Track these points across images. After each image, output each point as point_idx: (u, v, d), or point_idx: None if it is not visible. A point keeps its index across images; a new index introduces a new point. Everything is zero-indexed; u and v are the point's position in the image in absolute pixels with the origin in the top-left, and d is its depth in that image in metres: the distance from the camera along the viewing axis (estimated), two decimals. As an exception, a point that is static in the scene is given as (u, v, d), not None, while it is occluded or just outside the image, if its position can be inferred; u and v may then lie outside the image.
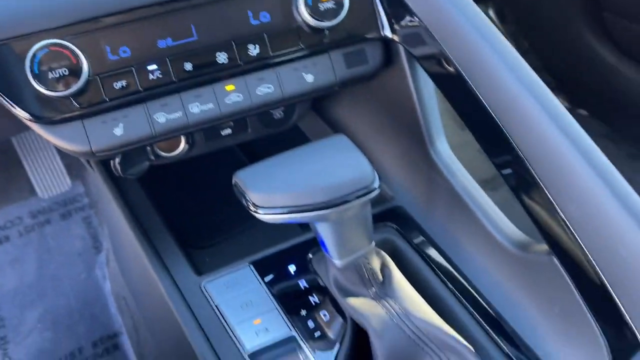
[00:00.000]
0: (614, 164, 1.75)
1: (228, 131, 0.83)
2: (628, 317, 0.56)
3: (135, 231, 0.83)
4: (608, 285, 0.57)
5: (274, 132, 0.90)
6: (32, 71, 0.62)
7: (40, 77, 0.63)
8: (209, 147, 0.87)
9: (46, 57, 0.63)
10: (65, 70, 0.63)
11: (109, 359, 1.30)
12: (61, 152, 1.51)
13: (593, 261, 0.57)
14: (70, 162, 1.51)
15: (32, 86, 0.63)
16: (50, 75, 0.63)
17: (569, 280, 0.63)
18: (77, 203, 1.51)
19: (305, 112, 0.90)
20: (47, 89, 0.63)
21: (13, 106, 0.64)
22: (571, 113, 1.83)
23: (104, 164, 0.93)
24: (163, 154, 0.84)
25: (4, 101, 0.64)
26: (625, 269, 0.55)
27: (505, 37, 0.68)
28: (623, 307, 0.56)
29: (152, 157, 0.84)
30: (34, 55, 0.62)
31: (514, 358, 0.66)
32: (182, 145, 0.84)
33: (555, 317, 0.66)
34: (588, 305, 0.62)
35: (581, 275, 0.60)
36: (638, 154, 1.70)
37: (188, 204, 0.93)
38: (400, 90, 0.80)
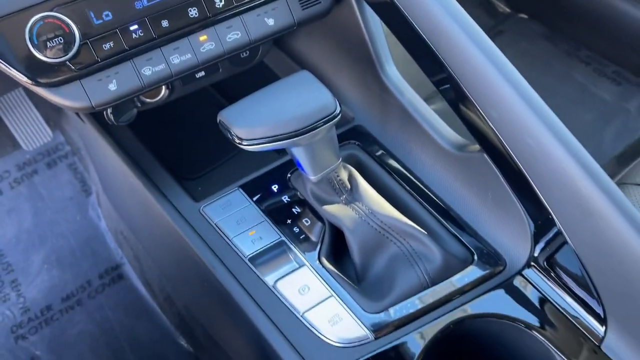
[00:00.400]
0: (552, 61, 1.90)
1: (202, 73, 0.93)
2: (541, 196, 0.72)
3: (134, 170, 0.95)
4: (524, 171, 0.72)
5: (242, 70, 1.01)
6: (32, 42, 0.72)
7: (39, 47, 0.72)
8: (186, 89, 0.98)
9: (42, 28, 0.72)
10: (60, 39, 0.73)
11: (116, 287, 1.43)
12: (38, 105, 1.57)
13: (512, 153, 0.73)
14: (48, 112, 1.57)
15: (34, 55, 0.72)
16: (48, 44, 0.72)
17: (497, 171, 0.78)
18: (59, 152, 1.59)
19: (268, 49, 1.01)
20: (47, 57, 0.73)
21: (19, 73, 0.73)
22: (512, 17, 1.94)
23: (93, 114, 1.03)
24: (148, 100, 0.94)
25: (10, 70, 0.73)
26: (534, 156, 0.70)
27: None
28: (536, 187, 0.72)
29: (139, 104, 0.94)
30: (32, 28, 0.71)
31: (459, 236, 0.83)
32: (163, 90, 0.94)
33: (489, 201, 0.82)
34: (512, 189, 0.78)
35: (505, 165, 0.76)
36: (573, 50, 1.85)
37: (175, 142, 1.03)
38: (351, 24, 0.91)
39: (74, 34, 0.73)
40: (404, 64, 0.93)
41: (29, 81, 0.74)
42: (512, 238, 0.80)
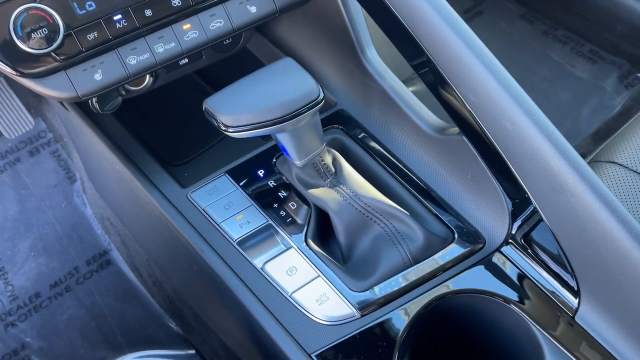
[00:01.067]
0: (530, 41, 1.93)
1: (185, 60, 0.94)
2: (517, 175, 0.75)
3: (121, 157, 0.96)
4: (501, 153, 0.75)
5: (226, 56, 1.02)
6: (16, 34, 0.72)
7: (23, 38, 0.72)
8: (170, 77, 0.98)
9: (26, 20, 0.72)
10: (44, 30, 0.73)
11: (104, 273, 1.44)
12: (19, 93, 1.56)
13: (490, 136, 0.75)
14: (28, 100, 1.56)
15: (18, 46, 0.73)
16: (32, 36, 0.73)
17: (475, 153, 0.81)
18: (42, 139, 1.58)
19: (250, 36, 1.02)
20: (31, 48, 0.73)
21: (3, 65, 0.74)
22: (491, -4, 1.94)
23: (77, 103, 1.03)
24: (132, 88, 0.95)
25: None
26: (511, 138, 0.73)
27: None
28: (513, 168, 0.75)
29: (123, 92, 0.95)
30: (16, 20, 0.72)
31: (440, 216, 0.86)
32: (147, 78, 0.95)
33: (468, 181, 0.85)
34: (490, 169, 0.81)
35: (483, 147, 0.78)
36: (550, 30, 1.88)
37: (161, 129, 1.04)
38: (332, 9, 0.92)
39: (58, 25, 0.73)
40: (383, 47, 0.95)
41: (14, 72, 0.75)
42: (491, 217, 0.83)
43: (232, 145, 0.96)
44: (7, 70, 0.75)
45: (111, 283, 1.43)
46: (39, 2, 0.73)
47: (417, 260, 0.81)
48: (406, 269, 0.81)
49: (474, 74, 0.73)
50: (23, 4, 0.72)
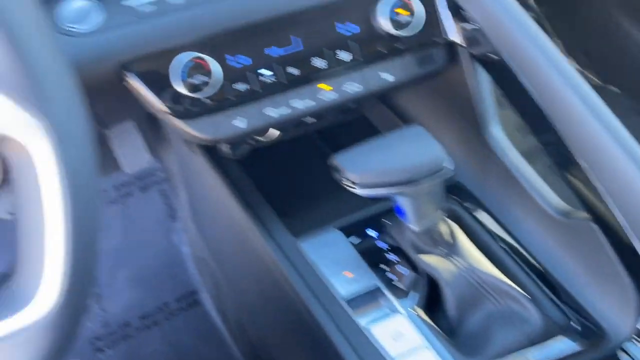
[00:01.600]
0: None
1: (313, 120, 0.99)
2: (652, 271, 0.72)
3: (239, 201, 1.00)
4: (637, 245, 0.72)
5: (347, 119, 1.06)
6: (179, 78, 0.79)
7: (185, 83, 0.79)
8: (296, 132, 1.04)
9: (188, 67, 0.79)
10: (202, 77, 0.80)
11: (191, 312, 1.48)
12: (144, 132, 1.68)
13: (625, 226, 0.73)
14: (150, 140, 1.68)
15: (177, 90, 0.79)
16: (193, 82, 0.79)
17: (604, 242, 0.78)
18: (153, 177, 1.68)
19: (375, 101, 1.06)
20: (189, 92, 0.80)
21: (161, 103, 0.81)
22: (603, 90, 1.94)
23: (205, 146, 1.10)
24: (261, 138, 1.01)
25: (154, 99, 0.80)
26: (649, 231, 0.70)
27: (542, 19, 0.79)
28: (648, 262, 0.72)
29: (252, 142, 1.00)
30: (179, 66, 0.79)
31: (558, 303, 0.82)
32: (277, 131, 1.01)
33: (592, 269, 0.81)
34: (621, 262, 0.77)
35: (615, 238, 0.75)
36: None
37: (278, 178, 1.09)
38: (459, 83, 0.94)
39: (214, 75, 0.80)
40: (504, 119, 0.95)
41: (168, 111, 0.81)
42: (615, 310, 0.79)
43: (346, 202, 0.98)
44: (163, 108, 0.81)
45: (197, 323, 1.46)
46: (201, 52, 0.80)
47: (529, 345, 0.78)
48: (517, 352, 0.77)
49: (611, 157, 0.72)
50: (187, 51, 0.79)
